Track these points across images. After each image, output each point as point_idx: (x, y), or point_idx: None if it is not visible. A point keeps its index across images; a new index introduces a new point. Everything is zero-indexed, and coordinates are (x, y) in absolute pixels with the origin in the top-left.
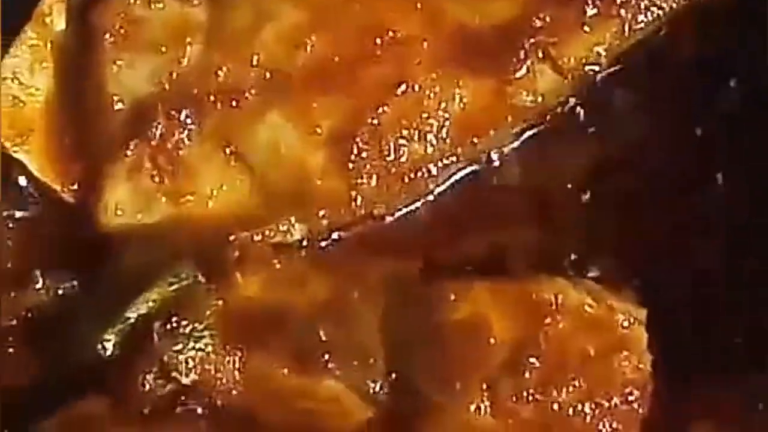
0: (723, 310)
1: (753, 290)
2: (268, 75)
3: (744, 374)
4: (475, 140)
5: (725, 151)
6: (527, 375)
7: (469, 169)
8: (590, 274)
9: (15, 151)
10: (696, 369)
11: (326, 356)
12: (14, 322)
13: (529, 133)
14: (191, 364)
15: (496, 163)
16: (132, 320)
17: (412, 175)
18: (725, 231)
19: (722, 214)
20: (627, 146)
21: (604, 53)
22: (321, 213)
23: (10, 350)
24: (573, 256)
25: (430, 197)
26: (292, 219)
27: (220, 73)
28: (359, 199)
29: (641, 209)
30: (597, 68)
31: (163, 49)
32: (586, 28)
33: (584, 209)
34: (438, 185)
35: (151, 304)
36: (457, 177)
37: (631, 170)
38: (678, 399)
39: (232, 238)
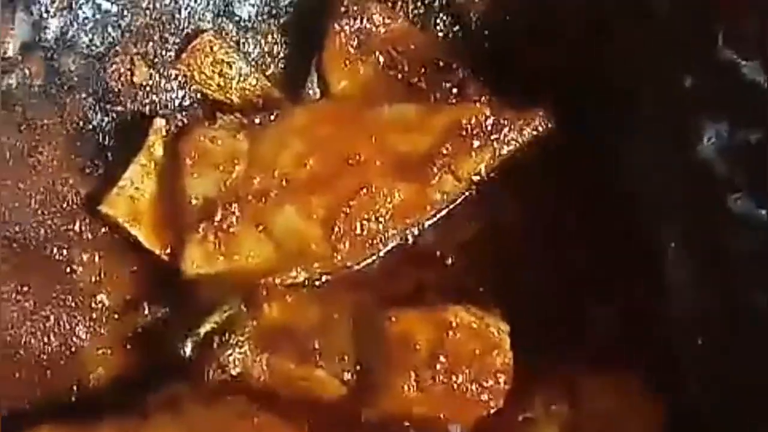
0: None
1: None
2: (284, 182)
3: (566, 357)
4: (407, 221)
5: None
6: (438, 367)
7: (400, 238)
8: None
9: (131, 229)
10: (537, 361)
11: (317, 357)
12: (130, 335)
13: (439, 216)
14: (237, 362)
15: (417, 234)
16: (201, 335)
17: (369, 242)
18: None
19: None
20: (497, 223)
21: (483, 168)
22: (315, 265)
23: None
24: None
25: (380, 254)
26: (298, 268)
27: (254, 181)
28: (338, 256)
29: (508, 263)
30: (479, 177)
31: (221, 167)
32: (473, 154)
33: (472, 264)
34: (384, 247)
35: (213, 324)
36: (394, 242)
37: (505, 236)
38: (524, 380)
39: (262, 281)
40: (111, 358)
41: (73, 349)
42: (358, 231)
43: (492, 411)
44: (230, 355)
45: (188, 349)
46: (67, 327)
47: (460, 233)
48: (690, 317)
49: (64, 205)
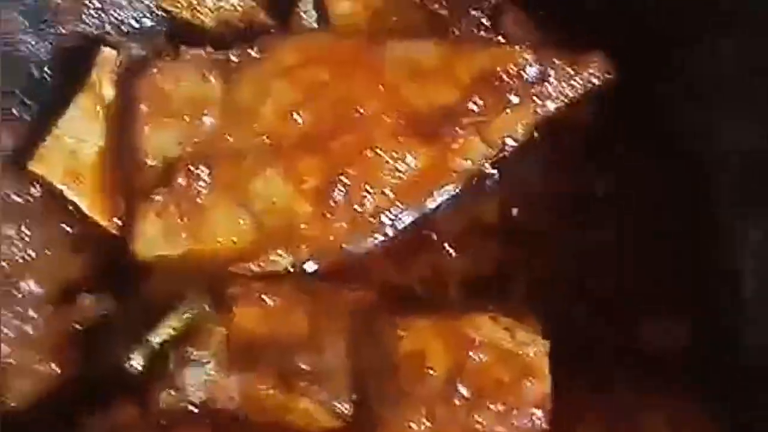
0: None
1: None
2: (265, 140)
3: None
4: (421, 194)
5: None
6: (456, 401)
7: (413, 215)
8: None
9: (69, 194)
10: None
11: (303, 383)
12: (64, 337)
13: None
14: (199, 385)
15: (434, 211)
16: (154, 344)
17: (372, 220)
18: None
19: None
20: (529, 197)
21: (520, 129)
22: (304, 247)
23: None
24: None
25: (386, 236)
26: (281, 252)
27: (228, 138)
28: (332, 237)
29: (545, 250)
30: (514, 140)
31: (186, 118)
32: (508, 111)
33: (499, 248)
34: (392, 226)
35: (170, 331)
36: (405, 221)
37: (534, 215)
38: (565, 415)
39: (235, 268)
40: (39, 367)
41: None
42: (359, 205)
43: None
44: (191, 375)
45: (137, 363)
46: None
47: (488, 212)
48: None
49: None
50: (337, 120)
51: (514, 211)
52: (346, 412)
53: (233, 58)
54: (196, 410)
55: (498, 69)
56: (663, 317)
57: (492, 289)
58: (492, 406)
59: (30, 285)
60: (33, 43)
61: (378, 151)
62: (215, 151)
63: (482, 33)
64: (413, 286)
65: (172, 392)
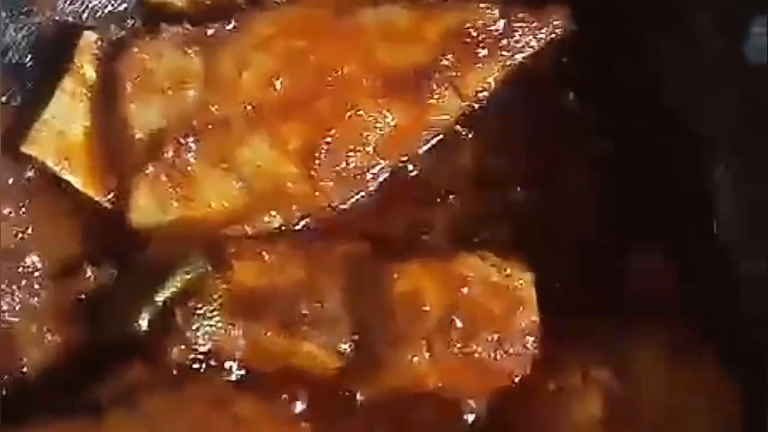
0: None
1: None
2: (248, 108)
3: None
4: (401, 149)
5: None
6: (452, 333)
7: (396, 169)
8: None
9: (62, 173)
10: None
11: (304, 327)
12: (70, 306)
13: (432, 141)
14: (206, 337)
15: (414, 164)
16: (159, 303)
17: (356, 177)
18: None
19: (584, 199)
20: (504, 145)
21: (492, 81)
22: (294, 207)
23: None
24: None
25: (370, 190)
26: (272, 212)
27: (212, 108)
28: (320, 196)
29: (524, 196)
30: (486, 92)
31: (170, 92)
32: (479, 65)
33: (479, 196)
34: (375, 181)
35: (173, 290)
36: (386, 175)
37: (522, 164)
38: (554, 342)
39: (229, 230)
40: (48, 337)
41: None
42: (343, 163)
43: (517, 380)
44: (198, 328)
45: (144, 323)
46: None
47: (466, 161)
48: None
49: None
50: (316, 85)
51: (490, 159)
52: (348, 351)
53: (211, 33)
54: (205, 363)
55: (467, 26)
56: (649, 255)
57: (476, 235)
58: (486, 335)
59: (33, 260)
60: (12, 31)
61: (357, 111)
62: (201, 122)
63: None
64: (401, 236)
65: (182, 346)
